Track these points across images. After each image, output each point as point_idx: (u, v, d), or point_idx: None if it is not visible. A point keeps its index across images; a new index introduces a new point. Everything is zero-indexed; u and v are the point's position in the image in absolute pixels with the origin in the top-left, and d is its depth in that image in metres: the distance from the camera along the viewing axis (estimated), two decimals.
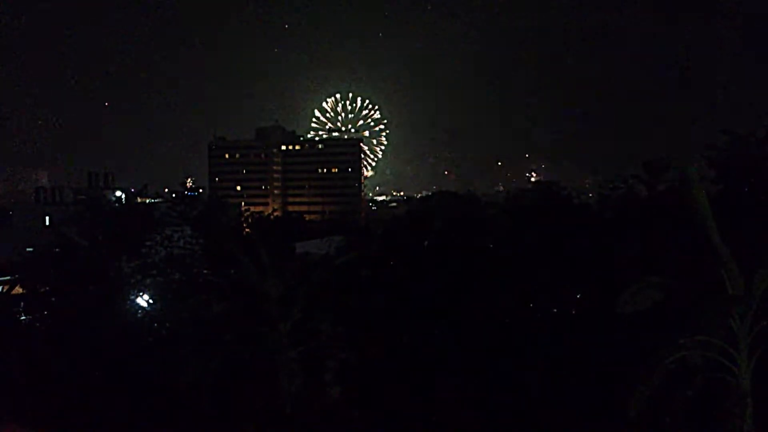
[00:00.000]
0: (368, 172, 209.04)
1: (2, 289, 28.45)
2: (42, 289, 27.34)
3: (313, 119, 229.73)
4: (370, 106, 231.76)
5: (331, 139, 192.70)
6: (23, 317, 27.51)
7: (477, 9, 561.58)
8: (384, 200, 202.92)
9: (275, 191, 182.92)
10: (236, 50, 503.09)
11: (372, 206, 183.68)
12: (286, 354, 19.61)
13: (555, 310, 23.45)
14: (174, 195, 43.05)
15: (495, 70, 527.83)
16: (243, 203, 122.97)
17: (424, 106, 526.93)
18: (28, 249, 31.86)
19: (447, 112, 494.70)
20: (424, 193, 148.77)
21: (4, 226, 78.82)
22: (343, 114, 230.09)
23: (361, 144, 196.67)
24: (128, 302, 27.29)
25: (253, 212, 52.64)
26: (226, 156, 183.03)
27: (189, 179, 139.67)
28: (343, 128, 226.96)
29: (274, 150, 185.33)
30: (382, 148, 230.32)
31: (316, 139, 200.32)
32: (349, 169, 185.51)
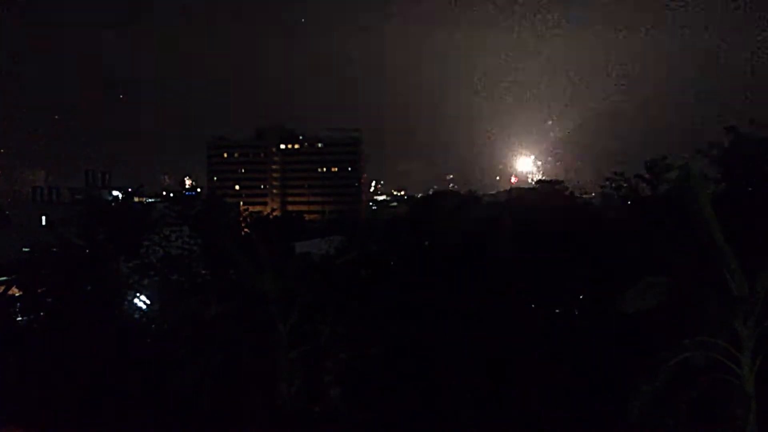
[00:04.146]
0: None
1: None
2: (39, 290, 27.20)
3: None
4: None
5: (331, 138, 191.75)
6: (20, 318, 27.38)
7: (479, 10, 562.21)
8: (384, 200, 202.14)
9: (274, 191, 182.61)
10: (237, 49, 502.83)
11: (372, 206, 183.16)
12: (286, 354, 19.54)
13: (557, 311, 23.36)
14: (172, 194, 42.98)
15: (495, 69, 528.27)
16: (242, 203, 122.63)
17: (425, 105, 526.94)
18: (24, 249, 31.72)
19: (448, 111, 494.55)
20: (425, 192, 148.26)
21: (1, 225, 78.65)
22: None
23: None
24: (126, 303, 27.19)
25: (252, 212, 52.41)
26: (225, 155, 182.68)
27: (188, 179, 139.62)
28: None
29: (274, 149, 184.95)
30: None
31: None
32: (349, 169, 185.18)
